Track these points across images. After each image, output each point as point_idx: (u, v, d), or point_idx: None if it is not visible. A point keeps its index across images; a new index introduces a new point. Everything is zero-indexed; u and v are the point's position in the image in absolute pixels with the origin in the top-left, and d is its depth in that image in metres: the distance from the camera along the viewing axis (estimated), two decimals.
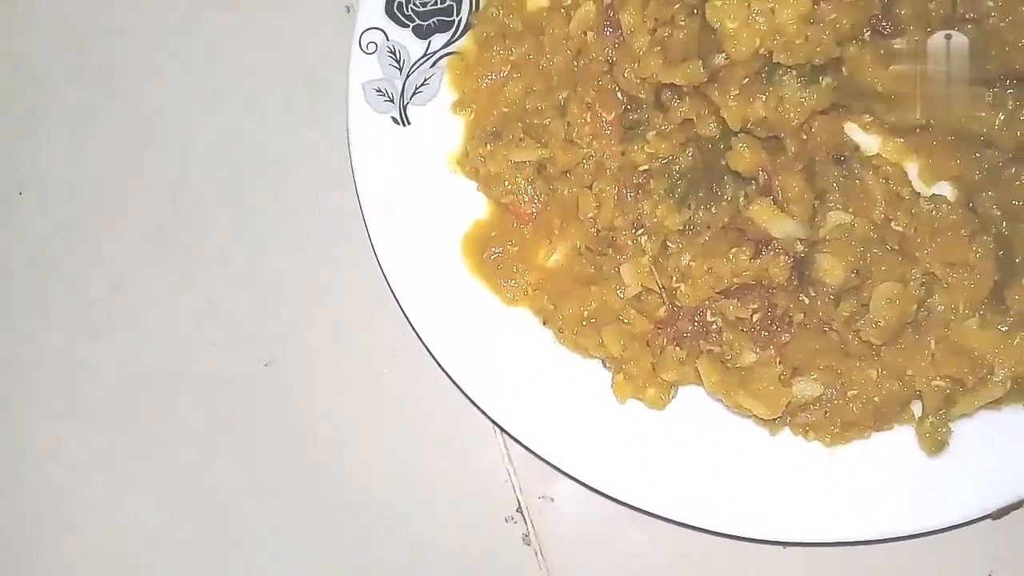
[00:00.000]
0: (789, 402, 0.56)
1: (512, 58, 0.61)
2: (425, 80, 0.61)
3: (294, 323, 0.66)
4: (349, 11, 0.67)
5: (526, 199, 0.60)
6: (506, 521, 0.63)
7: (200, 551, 0.64)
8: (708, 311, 0.57)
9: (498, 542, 0.63)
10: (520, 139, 0.60)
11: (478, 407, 0.59)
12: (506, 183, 0.60)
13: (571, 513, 0.63)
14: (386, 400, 0.65)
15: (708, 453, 0.58)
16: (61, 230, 0.68)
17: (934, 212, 0.56)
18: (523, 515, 0.63)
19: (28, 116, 0.69)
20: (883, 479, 0.58)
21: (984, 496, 0.57)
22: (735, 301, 0.56)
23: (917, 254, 0.56)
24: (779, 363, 0.56)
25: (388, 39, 0.61)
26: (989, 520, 0.58)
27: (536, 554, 0.63)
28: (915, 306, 0.55)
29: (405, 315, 0.59)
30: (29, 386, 0.66)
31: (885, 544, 0.59)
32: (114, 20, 0.70)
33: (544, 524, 0.63)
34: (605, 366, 0.59)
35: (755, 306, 0.56)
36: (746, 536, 0.58)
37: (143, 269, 0.67)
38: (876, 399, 0.56)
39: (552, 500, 0.63)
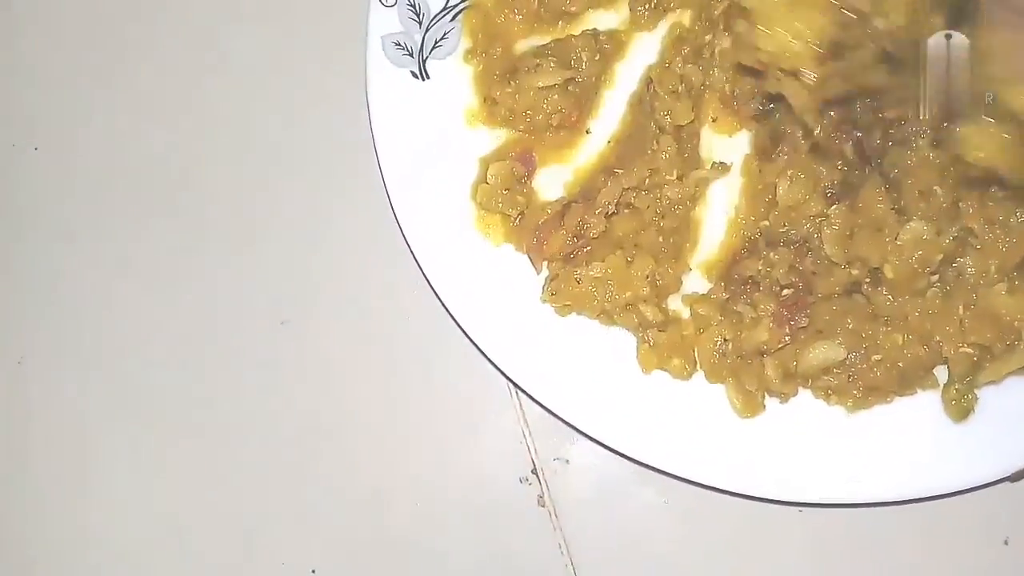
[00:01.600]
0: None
1: None
2: (445, 34, 0.60)
3: (311, 282, 0.65)
4: None
5: (566, 112, 0.59)
6: (520, 482, 0.63)
7: (214, 505, 0.64)
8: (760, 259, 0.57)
9: (513, 503, 0.63)
10: (538, 64, 0.59)
11: (495, 365, 0.58)
12: (545, 106, 0.59)
13: (586, 475, 0.63)
14: (401, 361, 0.64)
15: (725, 413, 0.58)
16: (76, 191, 0.67)
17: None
18: (538, 477, 0.63)
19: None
20: (902, 441, 0.57)
21: (1003, 459, 0.57)
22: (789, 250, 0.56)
23: (960, 204, 0.55)
24: (786, 345, 0.55)
25: None
26: (1007, 484, 0.58)
27: (551, 515, 0.62)
28: (940, 255, 0.54)
29: (423, 273, 0.58)
30: (44, 345, 0.66)
31: (901, 509, 0.59)
32: None
33: (559, 486, 0.63)
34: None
35: (793, 278, 0.56)
36: (762, 496, 0.57)
37: (157, 229, 0.66)
38: (901, 364, 0.56)
39: (567, 462, 0.63)
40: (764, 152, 0.59)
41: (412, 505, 0.63)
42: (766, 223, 0.58)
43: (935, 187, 0.54)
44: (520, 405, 0.63)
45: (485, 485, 0.63)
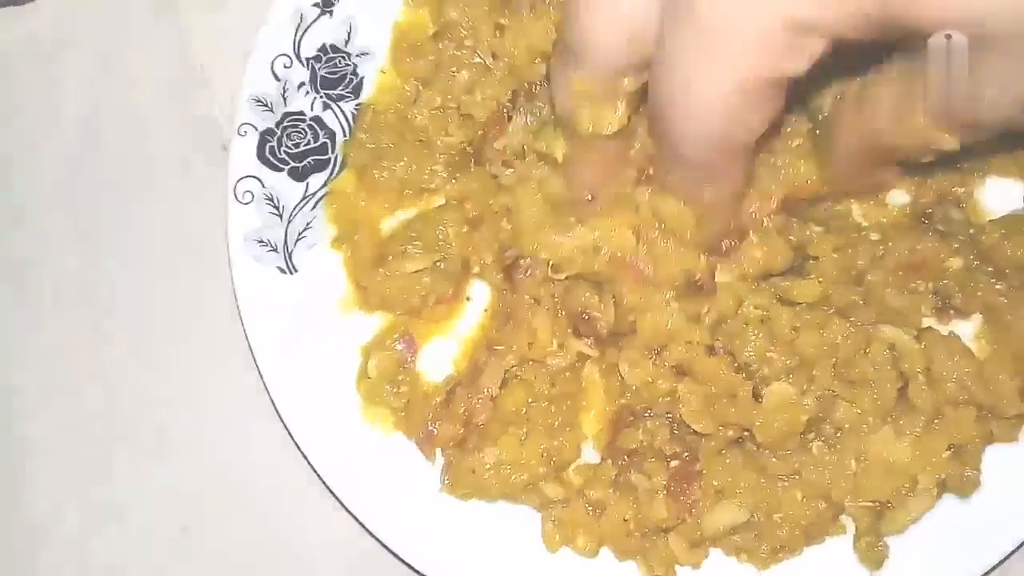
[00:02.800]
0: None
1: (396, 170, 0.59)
2: (308, 224, 0.58)
3: (207, 490, 0.63)
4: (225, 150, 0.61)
5: (439, 292, 0.58)
6: None
7: None
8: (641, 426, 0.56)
9: None
10: (404, 250, 0.57)
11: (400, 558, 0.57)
12: (418, 288, 0.57)
13: None
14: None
15: None
16: None
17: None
18: None
19: None
20: None
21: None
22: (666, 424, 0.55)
23: (815, 372, 0.54)
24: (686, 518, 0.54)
25: (264, 186, 0.57)
26: None
27: None
28: (806, 417, 0.53)
29: (315, 471, 0.57)
30: None
31: None
32: None
33: None
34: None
35: (677, 447, 0.55)
36: None
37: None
38: (803, 521, 0.55)
39: None
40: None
41: None
42: (623, 401, 0.56)
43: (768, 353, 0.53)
44: None
45: None
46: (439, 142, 0.59)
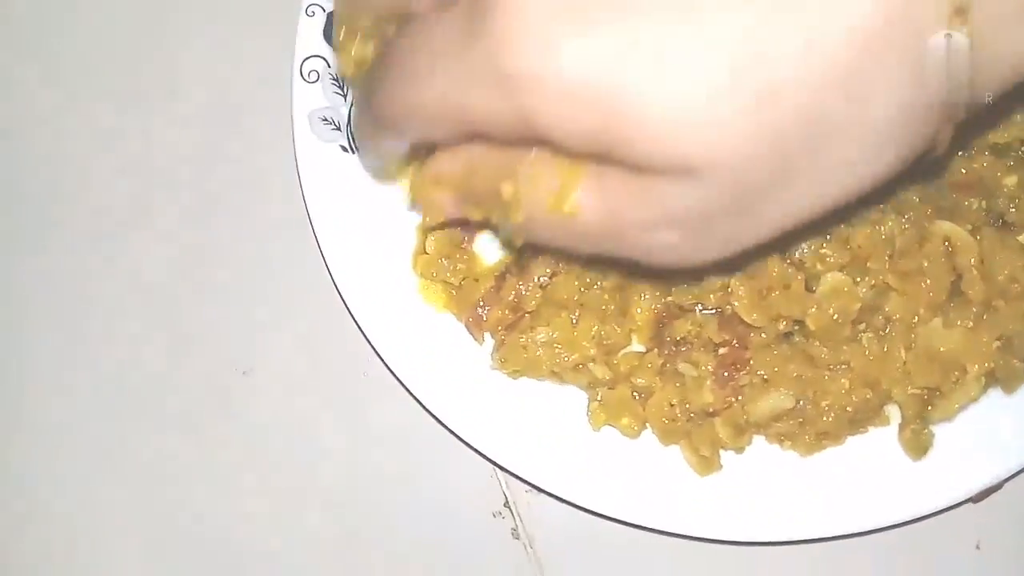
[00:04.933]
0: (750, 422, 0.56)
1: None
2: None
3: (267, 337, 0.66)
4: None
5: None
6: (494, 516, 0.64)
7: (181, 557, 0.65)
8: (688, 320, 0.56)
9: (487, 538, 0.64)
10: None
11: (445, 426, 0.59)
12: None
13: (559, 506, 0.63)
14: (366, 402, 0.65)
15: (682, 465, 0.59)
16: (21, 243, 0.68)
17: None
18: (511, 510, 0.64)
19: None
20: (862, 476, 0.58)
21: (965, 482, 0.58)
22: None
23: (869, 265, 0.54)
24: (733, 403, 0.55)
25: (330, 66, 0.58)
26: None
27: (525, 548, 0.64)
28: (858, 304, 0.54)
29: (370, 343, 0.59)
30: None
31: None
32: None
33: (532, 518, 0.64)
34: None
35: (726, 335, 0.56)
36: (727, 540, 0.59)
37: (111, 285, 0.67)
38: (850, 408, 0.56)
39: (539, 492, 0.64)
40: None
41: (386, 546, 0.64)
42: (670, 298, 0.57)
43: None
44: None
45: (458, 522, 0.64)
46: None
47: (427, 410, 0.59)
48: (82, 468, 0.65)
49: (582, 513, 0.62)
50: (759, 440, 0.58)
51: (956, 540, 0.63)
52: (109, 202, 0.67)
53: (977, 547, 0.63)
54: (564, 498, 0.59)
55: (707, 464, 0.57)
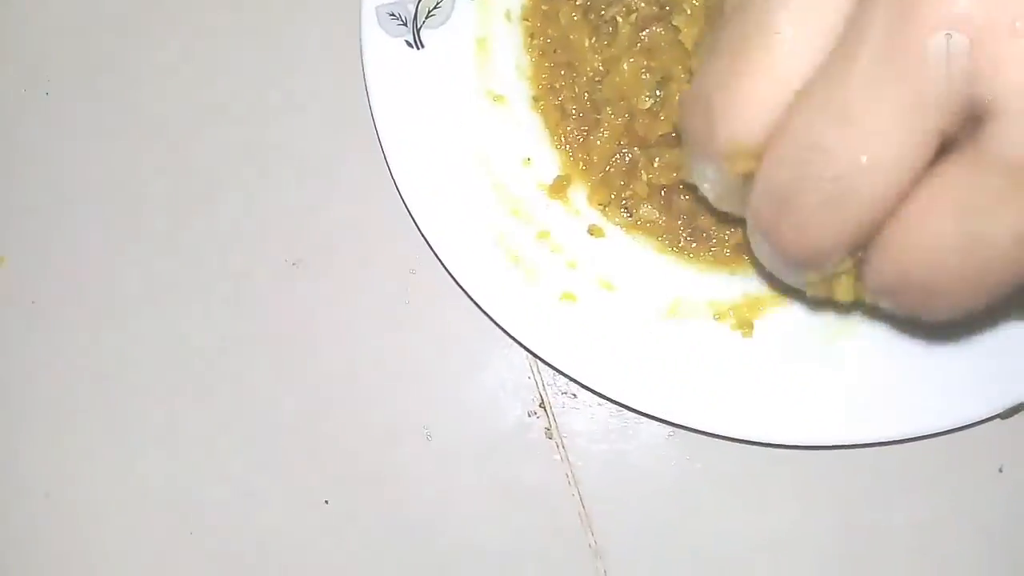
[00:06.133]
0: None
1: None
2: (438, 3, 0.61)
3: (320, 229, 0.68)
4: None
5: None
6: (529, 416, 0.66)
7: (225, 445, 0.67)
8: None
9: (521, 435, 0.66)
10: None
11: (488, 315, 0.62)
12: None
13: (592, 408, 0.66)
14: (411, 299, 0.67)
15: (717, 360, 0.60)
16: (86, 137, 0.70)
17: None
18: (546, 410, 0.66)
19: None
20: (890, 382, 0.59)
21: (993, 396, 0.58)
22: None
23: None
24: None
25: None
26: (998, 420, 0.60)
27: (558, 447, 0.66)
28: None
29: (423, 235, 0.61)
30: (53, 293, 0.69)
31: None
32: None
33: (566, 419, 0.66)
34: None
35: None
36: (759, 442, 0.60)
37: (166, 178, 0.69)
38: None
39: (574, 396, 0.66)
40: None
41: (423, 439, 0.66)
42: None
43: None
44: None
45: (495, 418, 0.67)
46: None
47: (471, 299, 0.61)
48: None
49: (612, 416, 0.66)
50: (791, 344, 0.60)
51: (979, 462, 0.64)
52: (176, 89, 0.70)
53: (1000, 470, 0.64)
54: (596, 389, 0.61)
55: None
